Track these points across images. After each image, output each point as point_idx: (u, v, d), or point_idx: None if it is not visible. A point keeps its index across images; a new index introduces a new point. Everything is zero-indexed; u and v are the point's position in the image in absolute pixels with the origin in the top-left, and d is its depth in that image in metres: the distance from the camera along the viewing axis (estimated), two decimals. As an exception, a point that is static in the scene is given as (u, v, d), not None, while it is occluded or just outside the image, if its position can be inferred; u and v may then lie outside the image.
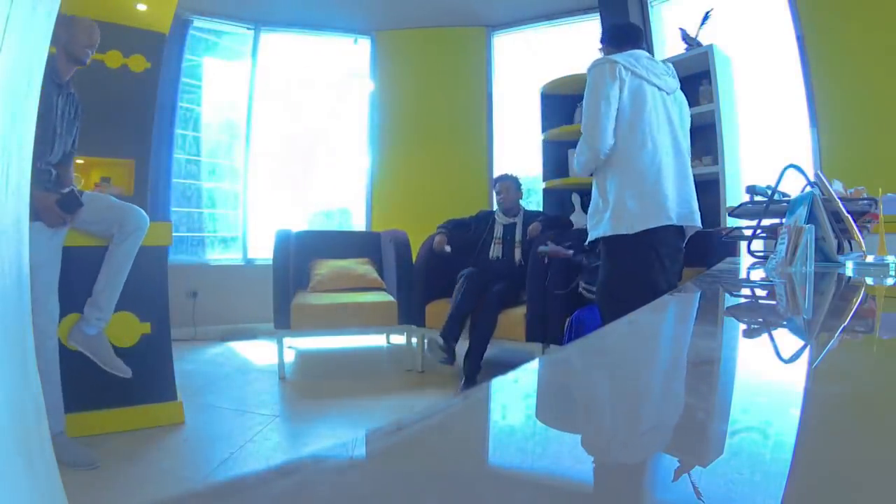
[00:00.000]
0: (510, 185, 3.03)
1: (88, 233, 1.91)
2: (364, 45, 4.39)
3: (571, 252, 2.47)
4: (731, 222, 2.36)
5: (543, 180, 3.55)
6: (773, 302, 0.81)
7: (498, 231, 3.02)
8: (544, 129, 3.51)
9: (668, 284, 1.67)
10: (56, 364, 1.74)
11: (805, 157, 2.72)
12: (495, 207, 3.19)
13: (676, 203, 1.67)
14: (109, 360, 1.91)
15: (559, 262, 2.55)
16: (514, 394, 0.28)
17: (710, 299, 0.78)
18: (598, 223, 1.73)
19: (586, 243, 1.82)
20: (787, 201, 1.30)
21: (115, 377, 1.94)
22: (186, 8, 3.73)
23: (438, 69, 4.25)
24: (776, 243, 1.21)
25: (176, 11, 2.45)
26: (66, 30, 1.77)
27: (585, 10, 3.80)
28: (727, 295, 0.87)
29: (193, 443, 1.97)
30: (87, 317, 1.88)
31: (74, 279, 1.87)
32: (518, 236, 2.95)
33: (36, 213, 1.38)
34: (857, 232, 1.20)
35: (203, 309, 3.80)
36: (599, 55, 1.78)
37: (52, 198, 1.71)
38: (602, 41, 1.85)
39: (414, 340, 3.01)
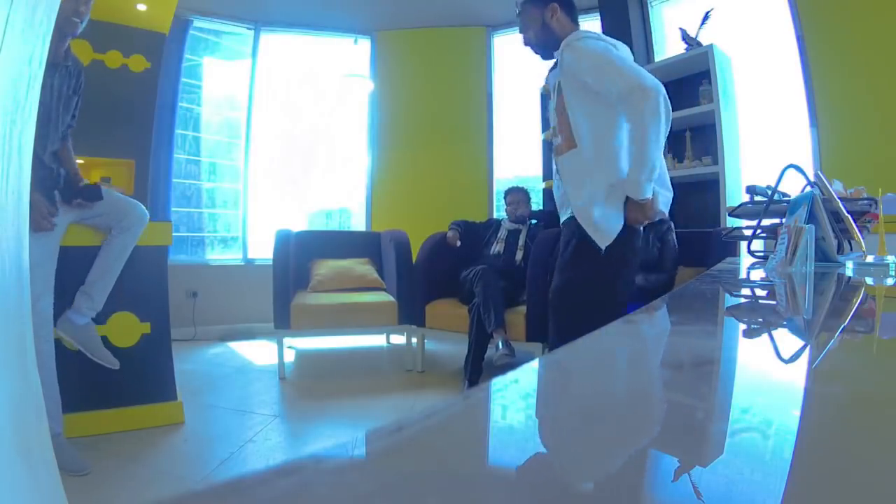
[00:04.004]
0: (521, 198, 3.13)
1: (89, 225, 1.90)
2: (364, 45, 4.39)
3: None
4: (731, 222, 2.36)
5: (543, 180, 3.56)
6: (773, 302, 0.81)
7: (502, 233, 3.08)
8: (544, 129, 3.51)
9: (629, 293, 1.60)
10: (52, 366, 1.73)
11: (805, 157, 2.73)
12: (500, 216, 3.25)
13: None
14: (97, 350, 1.90)
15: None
16: (514, 394, 0.28)
17: (709, 299, 0.78)
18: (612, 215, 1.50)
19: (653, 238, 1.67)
20: (787, 201, 1.30)
21: (114, 377, 1.93)
22: (186, 8, 3.74)
23: (438, 69, 4.25)
24: (776, 243, 1.21)
25: (176, 11, 2.44)
26: None
27: (585, 10, 3.80)
28: (727, 295, 0.87)
29: (193, 443, 1.97)
30: (78, 306, 1.87)
31: (70, 279, 1.87)
32: (521, 241, 3.00)
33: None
34: (857, 232, 1.20)
35: (203, 309, 3.81)
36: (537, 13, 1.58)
37: (40, 197, 1.68)
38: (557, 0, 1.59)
39: (414, 340, 3.01)
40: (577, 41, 1.50)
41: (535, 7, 1.60)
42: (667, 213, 1.56)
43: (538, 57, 1.68)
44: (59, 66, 1.74)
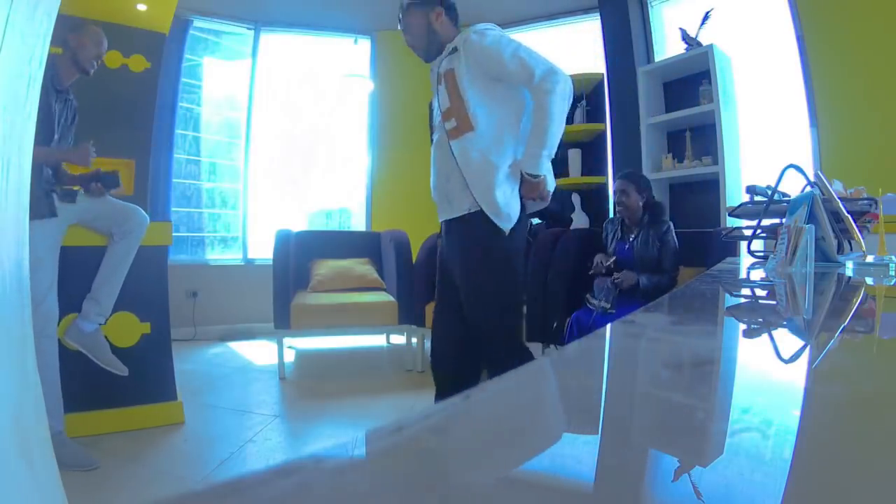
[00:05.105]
0: None
1: (89, 228, 1.92)
2: (364, 45, 4.39)
3: (635, 279, 2.29)
4: (731, 222, 2.35)
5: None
6: (773, 302, 0.81)
7: None
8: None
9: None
10: (55, 364, 1.73)
11: (805, 157, 2.73)
12: None
13: None
14: (106, 357, 1.91)
15: (560, 266, 2.55)
16: (514, 394, 0.28)
17: (709, 299, 0.78)
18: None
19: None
20: (787, 201, 1.30)
21: (115, 377, 1.94)
22: (186, 8, 3.74)
23: (438, 69, 4.25)
24: (776, 243, 1.21)
25: (176, 11, 2.44)
26: (76, 36, 1.77)
27: (586, 10, 3.80)
28: (727, 295, 0.87)
29: (193, 443, 1.97)
30: (86, 312, 1.88)
31: (73, 279, 1.87)
32: None
33: (34, 212, 1.38)
34: (857, 232, 1.20)
35: (203, 309, 3.81)
36: (418, 16, 1.64)
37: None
38: (442, 5, 1.68)
39: (414, 340, 3.01)
40: (482, 29, 1.58)
41: (420, 9, 1.64)
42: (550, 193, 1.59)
43: (420, 59, 1.74)
44: (61, 93, 1.81)
